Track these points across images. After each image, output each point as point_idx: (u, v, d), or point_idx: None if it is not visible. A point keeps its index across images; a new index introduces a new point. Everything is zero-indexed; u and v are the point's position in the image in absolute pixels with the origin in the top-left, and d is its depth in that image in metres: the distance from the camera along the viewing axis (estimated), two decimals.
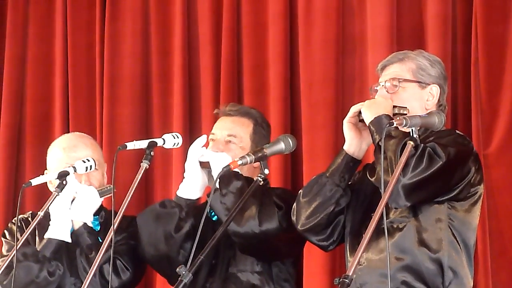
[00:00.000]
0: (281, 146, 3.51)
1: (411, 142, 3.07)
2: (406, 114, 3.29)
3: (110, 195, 3.78)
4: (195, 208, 3.73)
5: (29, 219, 3.90)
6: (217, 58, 4.82)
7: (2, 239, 3.91)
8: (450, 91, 4.00)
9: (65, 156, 3.87)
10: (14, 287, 3.54)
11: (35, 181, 3.67)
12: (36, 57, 5.28)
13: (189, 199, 3.72)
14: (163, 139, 3.64)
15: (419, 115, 3.21)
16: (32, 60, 5.28)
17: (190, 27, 4.93)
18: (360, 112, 3.35)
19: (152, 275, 4.68)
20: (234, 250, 3.69)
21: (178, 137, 3.69)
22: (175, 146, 3.70)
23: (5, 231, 3.92)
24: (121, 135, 4.94)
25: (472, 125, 4.28)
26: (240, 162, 3.36)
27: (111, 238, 3.32)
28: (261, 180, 3.37)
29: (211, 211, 3.68)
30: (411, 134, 3.11)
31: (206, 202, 3.47)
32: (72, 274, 3.74)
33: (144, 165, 3.53)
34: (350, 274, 2.68)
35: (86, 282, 3.29)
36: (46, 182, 3.83)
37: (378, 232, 3.09)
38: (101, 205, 3.90)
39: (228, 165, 3.30)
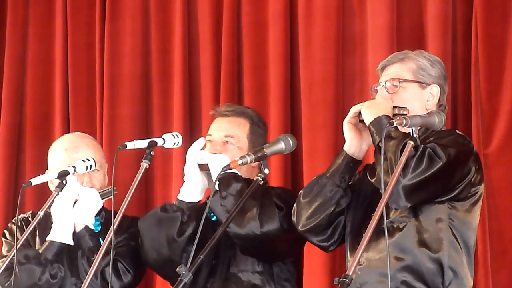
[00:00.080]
0: (281, 145, 3.50)
1: (411, 142, 3.07)
2: (406, 115, 3.29)
3: (111, 197, 3.78)
4: (196, 210, 3.73)
5: (29, 218, 3.89)
6: (217, 58, 4.82)
7: (2, 239, 3.91)
8: (450, 91, 3.99)
9: (67, 157, 3.86)
10: None
11: (35, 181, 3.67)
12: (36, 57, 5.28)
13: (190, 203, 3.72)
14: (163, 138, 3.64)
15: (419, 115, 3.21)
16: (32, 60, 5.28)
17: (190, 27, 4.93)
18: (360, 113, 3.35)
19: (152, 275, 4.67)
20: (235, 250, 3.69)
21: (178, 137, 3.68)
22: (175, 146, 3.70)
23: (5, 231, 3.92)
24: (121, 135, 4.93)
25: (472, 125, 4.28)
26: (240, 162, 3.35)
27: (111, 238, 3.31)
28: (261, 180, 3.37)
29: (211, 211, 3.67)
30: (411, 134, 3.11)
31: (206, 202, 3.47)
32: (72, 274, 3.74)
33: (144, 164, 3.52)
34: (350, 273, 2.69)
35: (86, 282, 3.29)
36: (47, 182, 3.83)
37: (378, 232, 3.09)
38: (102, 206, 3.89)
39: (228, 164, 3.30)
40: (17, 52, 5.28)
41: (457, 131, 3.45)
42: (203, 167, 3.70)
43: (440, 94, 3.46)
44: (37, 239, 3.84)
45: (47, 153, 3.98)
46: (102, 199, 3.80)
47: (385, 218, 2.89)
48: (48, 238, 3.73)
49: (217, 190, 3.60)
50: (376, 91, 3.48)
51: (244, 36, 4.81)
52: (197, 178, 3.71)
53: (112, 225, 3.32)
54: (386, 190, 2.93)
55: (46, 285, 3.69)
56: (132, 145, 3.54)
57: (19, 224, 3.85)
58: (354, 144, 3.42)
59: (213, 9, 4.87)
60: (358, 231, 3.38)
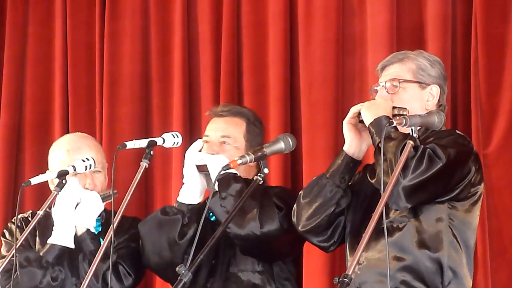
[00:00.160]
0: (281, 145, 3.50)
1: (411, 142, 3.07)
2: (405, 115, 3.29)
3: (111, 200, 3.77)
4: (196, 212, 3.72)
5: (29, 218, 3.89)
6: (217, 58, 4.82)
7: (2, 239, 3.90)
8: (450, 91, 4.00)
9: (68, 158, 3.83)
10: None
11: (35, 180, 3.65)
12: (35, 57, 5.28)
13: (190, 204, 3.71)
14: (162, 138, 3.64)
15: (419, 115, 3.21)
16: (32, 60, 5.28)
17: (190, 27, 4.93)
18: (360, 113, 3.35)
19: (152, 276, 4.67)
20: (234, 249, 3.68)
21: (177, 136, 3.68)
22: (174, 145, 3.69)
23: (5, 230, 3.91)
24: (121, 134, 4.93)
25: (472, 125, 4.28)
26: (240, 162, 3.35)
27: (111, 238, 3.31)
28: (261, 179, 3.36)
29: (210, 212, 3.67)
30: (411, 134, 3.11)
31: (205, 203, 3.47)
32: (73, 274, 3.74)
33: (144, 164, 3.52)
34: (350, 273, 2.68)
35: (85, 282, 3.28)
36: (47, 182, 3.82)
37: (378, 232, 3.09)
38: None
39: (228, 164, 3.30)
40: (16, 52, 5.28)
41: (457, 131, 3.45)
42: (202, 168, 3.69)
43: (440, 94, 3.46)
44: (37, 239, 3.83)
45: (47, 153, 3.96)
46: (103, 202, 3.79)
47: (384, 218, 2.89)
48: (49, 241, 3.72)
49: (217, 191, 3.60)
50: (376, 91, 3.48)
51: (244, 36, 4.81)
52: (196, 179, 3.70)
53: (112, 225, 3.32)
54: (385, 190, 2.93)
55: None
56: (131, 144, 3.53)
57: (19, 224, 3.84)
58: (353, 144, 3.42)
59: (213, 9, 4.87)
60: (358, 231, 3.38)
